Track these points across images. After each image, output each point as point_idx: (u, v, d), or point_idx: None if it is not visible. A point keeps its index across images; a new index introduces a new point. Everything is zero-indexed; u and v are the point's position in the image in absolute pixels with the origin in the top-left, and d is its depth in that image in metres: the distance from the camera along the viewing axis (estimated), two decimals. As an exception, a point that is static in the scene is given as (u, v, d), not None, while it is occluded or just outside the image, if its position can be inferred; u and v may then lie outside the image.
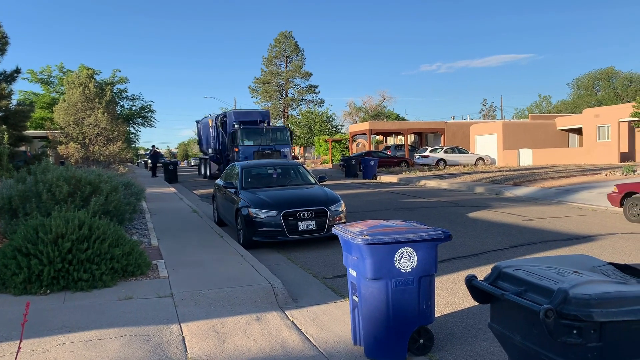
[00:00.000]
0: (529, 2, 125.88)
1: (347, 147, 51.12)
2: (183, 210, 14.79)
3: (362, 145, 52.37)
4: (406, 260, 4.50)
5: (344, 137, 54.85)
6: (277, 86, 74.86)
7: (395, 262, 4.46)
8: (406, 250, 4.51)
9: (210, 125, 31.65)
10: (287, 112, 74.61)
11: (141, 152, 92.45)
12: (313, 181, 11.42)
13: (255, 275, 6.98)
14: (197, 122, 37.47)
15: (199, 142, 36.54)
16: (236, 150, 25.46)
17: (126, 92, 46.72)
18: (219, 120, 29.33)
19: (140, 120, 48.17)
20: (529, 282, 2.73)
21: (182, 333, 5.11)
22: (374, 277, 4.45)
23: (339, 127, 67.75)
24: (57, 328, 5.12)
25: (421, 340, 4.63)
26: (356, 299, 4.70)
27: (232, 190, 10.84)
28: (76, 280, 6.41)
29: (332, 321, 5.53)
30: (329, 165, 48.12)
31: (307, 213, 9.40)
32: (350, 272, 4.80)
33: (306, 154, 65.24)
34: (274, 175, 11.47)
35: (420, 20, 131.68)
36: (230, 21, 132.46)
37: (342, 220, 9.68)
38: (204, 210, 14.92)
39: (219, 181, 12.75)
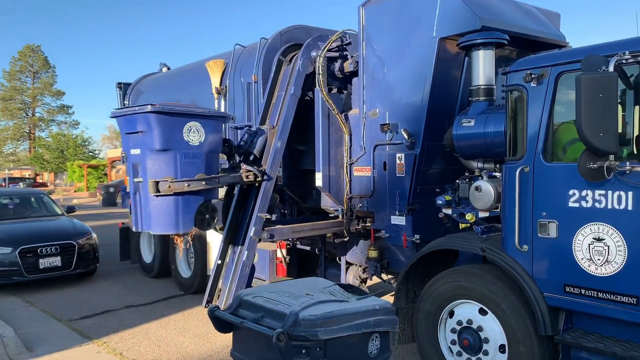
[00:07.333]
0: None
1: (106, 174, 47.56)
2: None
3: (123, 172, 49.32)
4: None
5: (101, 163, 50.89)
6: (21, 104, 65.92)
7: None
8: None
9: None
10: (34, 134, 66.15)
11: None
12: (59, 212, 10.33)
13: (-21, 325, 5.96)
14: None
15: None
16: None
17: None
18: None
19: None
20: (266, 308, 2.89)
21: None
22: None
23: (97, 152, 62.41)
24: None
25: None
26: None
27: (-47, 225, 9.10)
28: None
29: (75, 368, 5.03)
30: (85, 194, 44.14)
31: (51, 248, 8.43)
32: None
33: (57, 181, 58.53)
34: (10, 206, 10.03)
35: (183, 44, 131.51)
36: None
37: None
38: None
39: None
